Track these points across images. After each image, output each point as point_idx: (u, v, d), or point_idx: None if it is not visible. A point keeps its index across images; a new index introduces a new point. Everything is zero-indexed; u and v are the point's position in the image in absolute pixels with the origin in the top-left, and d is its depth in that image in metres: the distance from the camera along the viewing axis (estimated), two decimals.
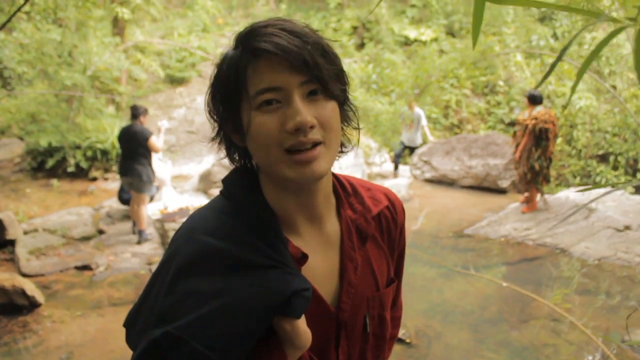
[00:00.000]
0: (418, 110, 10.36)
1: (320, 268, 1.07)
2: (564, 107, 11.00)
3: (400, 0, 17.16)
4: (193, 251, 0.96)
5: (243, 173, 1.08)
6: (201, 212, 1.05)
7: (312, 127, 0.94)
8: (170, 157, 10.79)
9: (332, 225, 1.11)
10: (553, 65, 0.94)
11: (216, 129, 1.06)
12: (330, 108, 0.98)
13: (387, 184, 9.27)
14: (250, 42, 0.95)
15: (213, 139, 1.07)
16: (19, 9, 2.30)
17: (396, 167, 10.58)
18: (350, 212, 1.13)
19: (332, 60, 0.98)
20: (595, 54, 0.92)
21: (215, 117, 1.04)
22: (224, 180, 1.08)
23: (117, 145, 7.72)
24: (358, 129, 1.08)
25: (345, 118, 1.05)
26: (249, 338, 0.94)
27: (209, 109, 1.04)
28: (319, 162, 0.96)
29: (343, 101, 1.03)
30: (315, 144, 0.95)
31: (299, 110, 0.93)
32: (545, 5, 0.90)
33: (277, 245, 0.99)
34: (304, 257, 1.02)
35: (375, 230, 1.16)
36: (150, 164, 6.65)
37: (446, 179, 9.97)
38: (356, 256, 1.10)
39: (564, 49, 0.91)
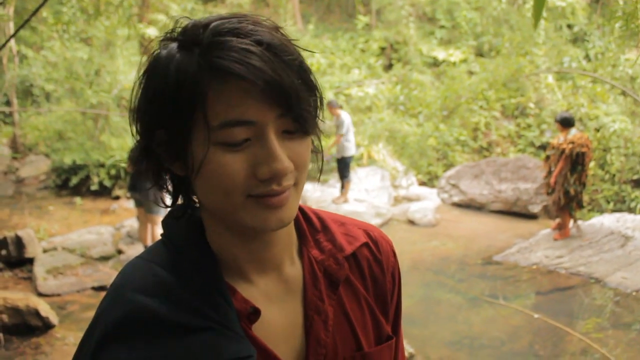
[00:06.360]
0: (345, 115, 8.79)
1: (279, 323, 0.85)
2: (597, 129, 10.76)
3: (429, 21, 17.05)
4: (117, 313, 0.77)
5: (181, 210, 0.87)
6: (134, 262, 0.85)
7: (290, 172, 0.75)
8: None
9: (293, 268, 0.89)
10: None
11: (142, 146, 0.80)
12: (306, 145, 0.79)
13: (414, 207, 9.05)
14: (217, 56, 0.72)
15: (137, 162, 0.81)
16: (30, 17, 2.21)
17: (343, 187, 9.10)
18: (316, 252, 0.91)
19: (313, 85, 0.78)
20: None
21: (144, 132, 0.80)
22: (163, 222, 0.88)
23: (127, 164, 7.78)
24: (321, 152, 0.88)
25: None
26: None
27: (136, 118, 0.80)
28: (288, 207, 0.77)
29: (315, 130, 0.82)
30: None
31: (276, 155, 0.73)
32: None
33: (217, 300, 0.78)
34: (254, 313, 0.81)
35: (353, 273, 0.93)
36: None
37: (475, 203, 9.69)
38: (325, 307, 0.87)
39: None
